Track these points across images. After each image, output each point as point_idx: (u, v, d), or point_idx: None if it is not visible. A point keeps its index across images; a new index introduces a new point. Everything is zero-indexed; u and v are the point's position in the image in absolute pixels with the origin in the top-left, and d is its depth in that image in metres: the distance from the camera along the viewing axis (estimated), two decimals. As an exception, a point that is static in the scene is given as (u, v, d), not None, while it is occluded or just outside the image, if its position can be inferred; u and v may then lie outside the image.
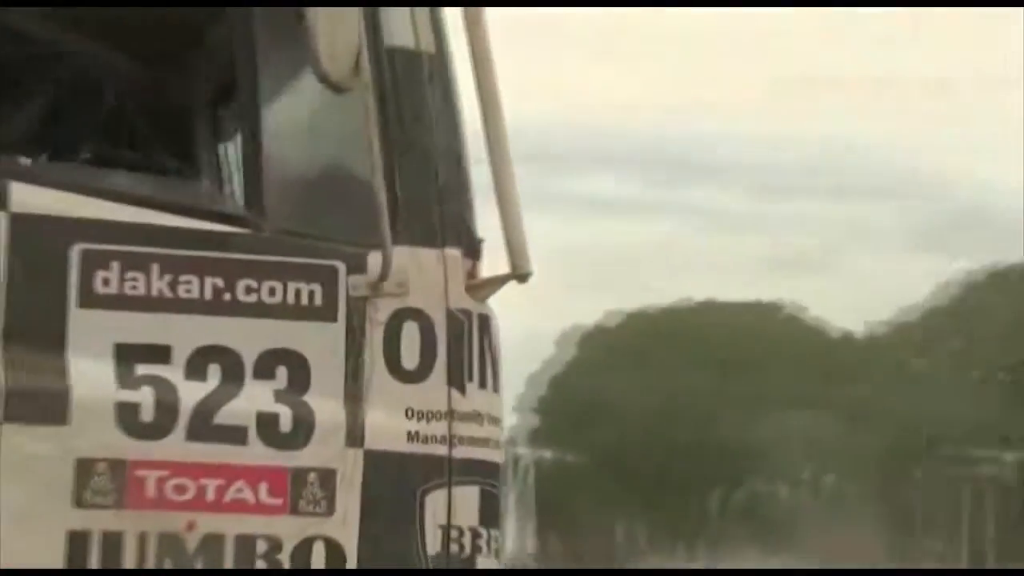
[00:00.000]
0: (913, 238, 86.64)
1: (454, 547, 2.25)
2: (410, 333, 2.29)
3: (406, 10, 2.40)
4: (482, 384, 2.34)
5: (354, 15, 2.26)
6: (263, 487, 2.14)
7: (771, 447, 50.27)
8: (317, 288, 2.26)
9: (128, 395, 2.11)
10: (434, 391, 2.28)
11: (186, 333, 2.19)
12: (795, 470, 54.90)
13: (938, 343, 59.66)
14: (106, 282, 2.16)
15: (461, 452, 2.28)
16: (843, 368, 53.65)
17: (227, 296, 2.22)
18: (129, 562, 2.05)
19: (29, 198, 2.17)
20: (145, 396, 2.12)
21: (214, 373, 2.18)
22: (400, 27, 2.39)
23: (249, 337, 2.22)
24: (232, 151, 2.71)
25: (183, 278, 2.20)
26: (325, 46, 2.23)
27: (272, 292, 2.24)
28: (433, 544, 2.22)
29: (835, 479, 53.58)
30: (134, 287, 2.18)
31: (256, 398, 2.18)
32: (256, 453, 2.16)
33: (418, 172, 2.35)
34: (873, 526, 38.48)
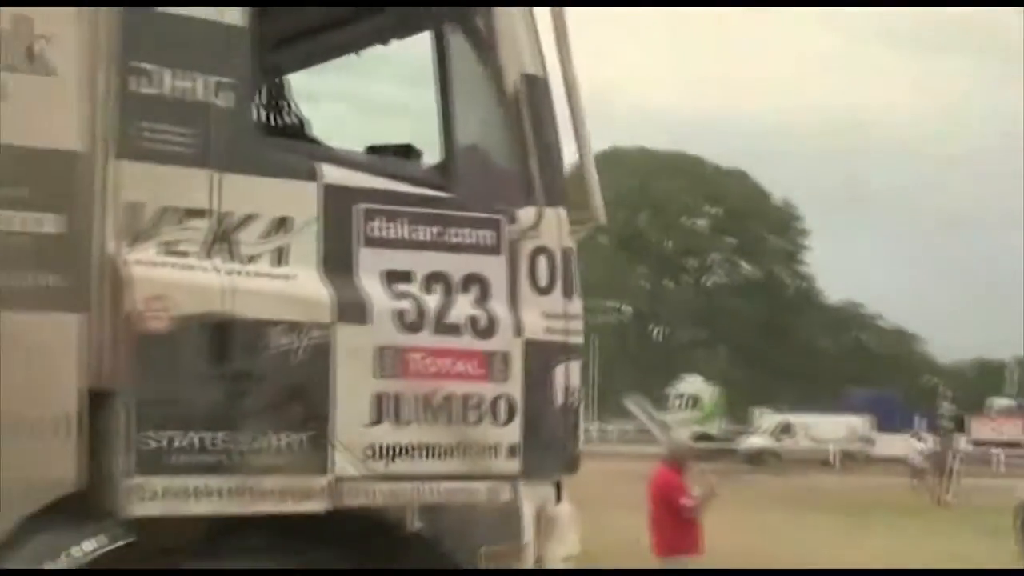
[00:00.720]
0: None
1: (569, 400, 3.51)
2: (542, 263, 3.45)
3: (528, 45, 3.47)
4: (578, 295, 3.58)
5: (516, 53, 3.35)
6: (473, 363, 3.27)
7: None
8: (491, 233, 3.36)
9: (396, 304, 3.13)
10: (556, 300, 3.48)
11: (421, 263, 3.22)
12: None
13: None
14: (375, 229, 3.14)
15: (571, 339, 3.52)
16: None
17: (442, 238, 3.27)
18: (407, 413, 3.11)
19: (331, 174, 3.07)
20: (405, 305, 3.15)
21: (439, 290, 3.24)
22: (529, 59, 3.47)
23: (455, 265, 3.28)
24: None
25: (419, 227, 3.22)
26: (509, 74, 3.31)
27: (467, 236, 3.32)
28: (559, 398, 3.46)
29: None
30: (391, 233, 3.17)
31: (464, 306, 3.27)
32: (467, 342, 3.25)
33: (546, 160, 3.48)
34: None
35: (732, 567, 10.64)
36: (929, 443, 29.81)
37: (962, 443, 34.49)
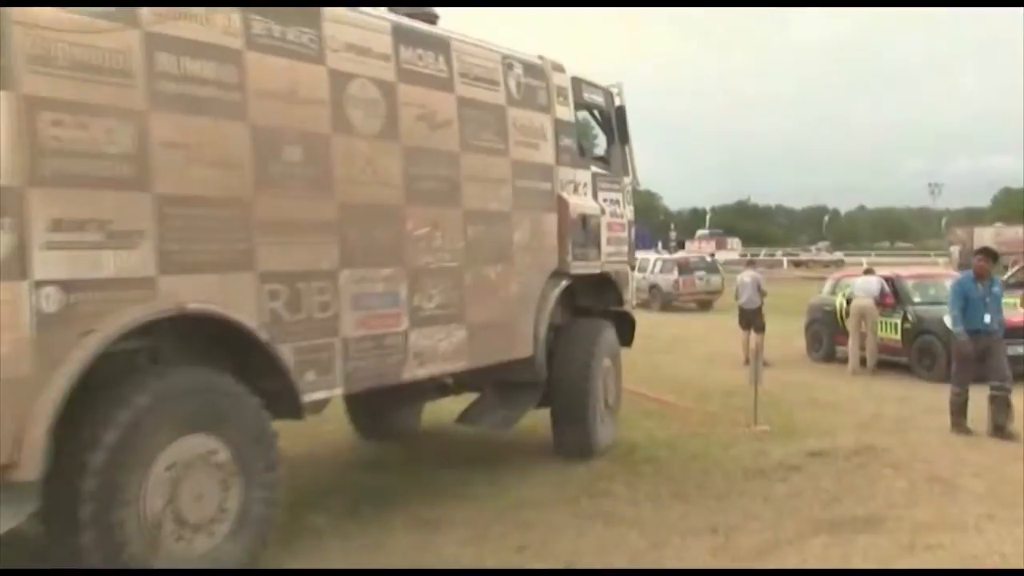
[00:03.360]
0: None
1: (634, 240, 9.44)
2: (630, 196, 9.33)
3: (618, 86, 9.14)
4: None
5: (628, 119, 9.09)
6: (619, 226, 9.07)
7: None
8: (619, 186, 9.15)
9: (607, 208, 8.79)
10: (631, 208, 9.37)
11: (607, 196, 8.91)
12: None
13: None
14: (599, 185, 8.77)
15: (633, 217, 9.40)
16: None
17: (609, 187, 8.97)
18: (611, 241, 8.81)
19: (592, 167, 8.70)
20: (608, 208, 8.81)
21: (611, 204, 8.94)
22: (619, 96, 9.17)
23: (612, 196, 9.01)
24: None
25: (606, 184, 8.91)
26: (628, 128, 9.06)
27: (614, 186, 9.05)
28: (633, 238, 9.40)
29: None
30: (602, 186, 8.84)
31: (617, 208, 9.05)
32: (618, 219, 9.06)
33: (629, 157, 9.26)
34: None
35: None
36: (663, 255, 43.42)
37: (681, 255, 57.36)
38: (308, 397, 5.66)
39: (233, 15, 5.28)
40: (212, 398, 5.04)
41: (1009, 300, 15.50)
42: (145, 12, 4.85)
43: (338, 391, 5.94)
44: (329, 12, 5.86)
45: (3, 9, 4.30)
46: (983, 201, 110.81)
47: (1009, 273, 18.42)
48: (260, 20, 5.42)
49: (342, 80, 5.90)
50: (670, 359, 15.29)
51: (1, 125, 4.26)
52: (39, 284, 4.35)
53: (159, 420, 4.75)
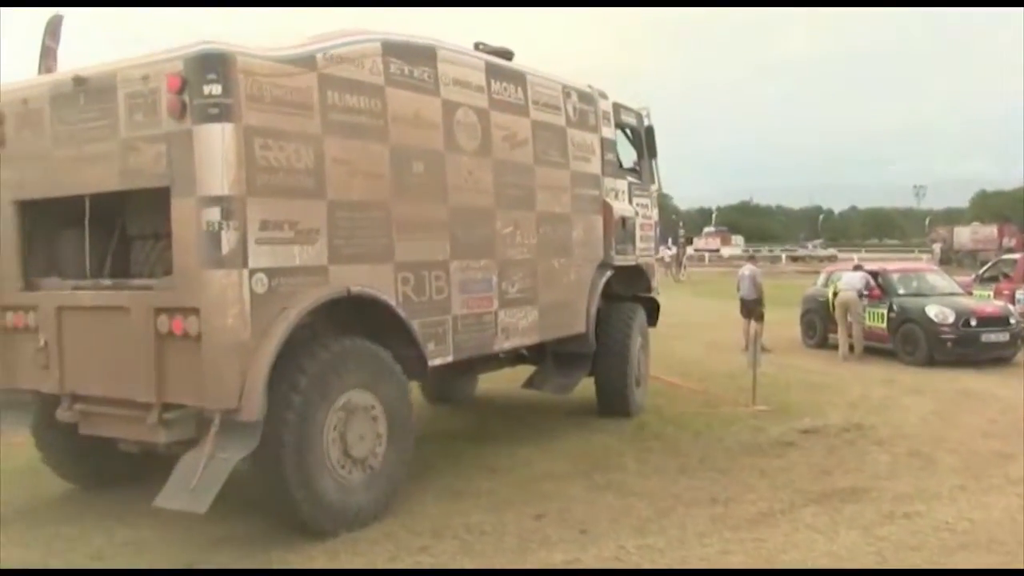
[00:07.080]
0: None
1: (656, 232, 11.34)
2: (655, 200, 11.17)
3: (646, 109, 10.93)
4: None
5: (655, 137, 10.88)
6: (649, 225, 10.90)
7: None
8: (648, 193, 11.09)
9: (640, 212, 10.60)
10: (656, 207, 11.21)
11: (638, 201, 10.80)
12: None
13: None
14: (632, 192, 10.63)
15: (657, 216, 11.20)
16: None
17: (640, 193, 10.86)
18: (642, 237, 10.59)
19: (628, 177, 10.58)
20: (640, 212, 10.66)
21: (640, 207, 10.82)
22: (648, 117, 10.97)
23: (642, 201, 10.91)
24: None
25: (636, 191, 10.73)
26: (656, 144, 10.85)
27: (645, 193, 10.93)
28: (657, 232, 11.25)
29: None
30: (635, 192, 10.71)
31: (645, 212, 10.99)
32: (647, 219, 10.95)
33: (655, 168, 11.05)
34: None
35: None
36: (673, 250, 47.68)
37: (690, 250, 62.72)
38: (431, 363, 7.22)
39: (376, 58, 6.84)
40: (370, 361, 6.60)
41: (983, 293, 17.54)
42: (319, 57, 6.41)
43: (449, 359, 7.52)
44: (442, 53, 7.48)
45: (232, 60, 5.84)
46: (962, 202, 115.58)
47: (984, 268, 20.27)
48: (395, 61, 7.00)
49: (451, 108, 7.54)
50: (679, 345, 16.66)
51: (231, 149, 5.81)
52: (252, 271, 5.92)
53: (336, 373, 6.32)
